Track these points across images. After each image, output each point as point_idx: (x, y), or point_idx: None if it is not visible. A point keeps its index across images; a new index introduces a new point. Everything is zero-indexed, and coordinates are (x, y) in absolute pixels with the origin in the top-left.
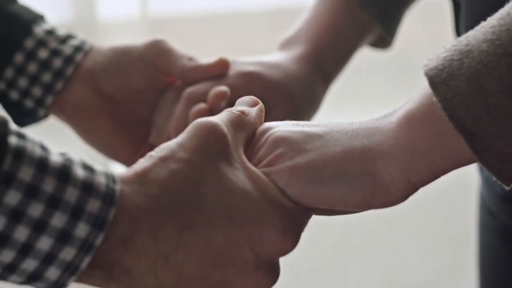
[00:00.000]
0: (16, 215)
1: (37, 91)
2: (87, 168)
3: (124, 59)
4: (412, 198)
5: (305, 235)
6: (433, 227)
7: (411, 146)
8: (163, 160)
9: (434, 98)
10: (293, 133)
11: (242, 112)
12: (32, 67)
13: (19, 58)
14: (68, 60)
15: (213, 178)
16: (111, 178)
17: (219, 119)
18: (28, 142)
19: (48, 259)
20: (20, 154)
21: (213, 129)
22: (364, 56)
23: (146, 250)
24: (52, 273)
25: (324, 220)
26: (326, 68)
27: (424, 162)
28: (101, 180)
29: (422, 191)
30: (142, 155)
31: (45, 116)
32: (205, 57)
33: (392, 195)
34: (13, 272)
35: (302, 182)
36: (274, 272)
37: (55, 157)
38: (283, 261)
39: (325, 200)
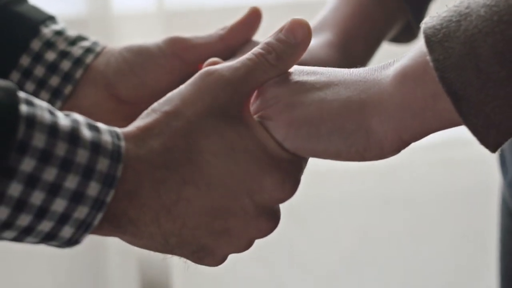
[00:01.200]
0: (31, 181)
1: (44, 96)
2: (93, 127)
3: (142, 57)
4: (433, 201)
5: (322, 237)
6: (453, 231)
7: (405, 104)
8: (166, 116)
9: (428, 57)
10: (292, 84)
11: (272, 65)
12: (39, 70)
13: (25, 60)
14: (77, 62)
15: (214, 135)
16: (115, 135)
17: (231, 70)
18: (38, 108)
19: (63, 219)
20: (32, 122)
21: (216, 83)
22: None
23: (149, 203)
24: (66, 232)
25: (342, 224)
26: (355, 56)
27: (416, 120)
28: (107, 138)
29: (443, 194)
30: None
31: None
32: None
33: (384, 150)
34: (29, 235)
35: (299, 136)
36: (274, 217)
37: (63, 121)
38: (302, 263)
39: (321, 153)
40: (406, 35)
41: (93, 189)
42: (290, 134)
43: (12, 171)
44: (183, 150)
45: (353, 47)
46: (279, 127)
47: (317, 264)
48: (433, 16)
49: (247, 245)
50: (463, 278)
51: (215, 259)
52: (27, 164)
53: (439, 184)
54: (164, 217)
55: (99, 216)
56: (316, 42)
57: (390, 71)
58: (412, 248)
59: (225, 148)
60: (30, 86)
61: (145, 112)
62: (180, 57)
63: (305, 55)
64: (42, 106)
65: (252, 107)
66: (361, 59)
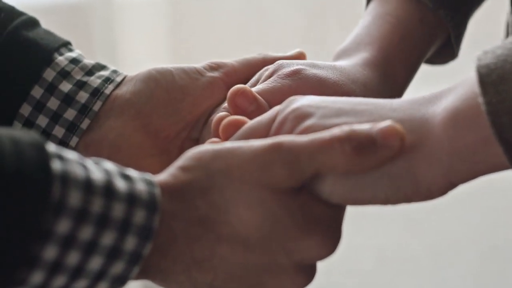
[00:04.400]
0: (68, 242)
1: (58, 131)
2: (126, 177)
3: (180, 80)
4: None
5: (338, 258)
6: (477, 249)
7: (454, 149)
8: (211, 173)
9: (480, 100)
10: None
11: (353, 152)
12: (53, 103)
13: (37, 92)
14: (96, 93)
15: (258, 208)
16: (150, 183)
17: (303, 147)
18: (69, 163)
19: (99, 277)
20: (66, 180)
21: (280, 163)
22: None
23: (182, 258)
24: (102, 287)
25: (360, 245)
26: (396, 75)
27: (466, 165)
28: (141, 187)
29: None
30: None
31: None
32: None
33: (433, 192)
34: None
35: (345, 189)
36: (311, 273)
37: (96, 174)
38: None
39: (368, 201)
40: (442, 56)
41: (130, 243)
42: (336, 186)
43: (48, 233)
44: (222, 212)
45: (393, 67)
46: (326, 182)
47: (333, 286)
48: (487, 51)
49: None
50: None
51: None
52: (63, 225)
53: (462, 200)
54: (196, 270)
55: (136, 270)
56: (351, 61)
57: (439, 110)
58: (432, 268)
59: (268, 221)
60: (42, 120)
61: (188, 160)
62: (223, 81)
63: (339, 75)
64: (73, 160)
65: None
66: (402, 80)
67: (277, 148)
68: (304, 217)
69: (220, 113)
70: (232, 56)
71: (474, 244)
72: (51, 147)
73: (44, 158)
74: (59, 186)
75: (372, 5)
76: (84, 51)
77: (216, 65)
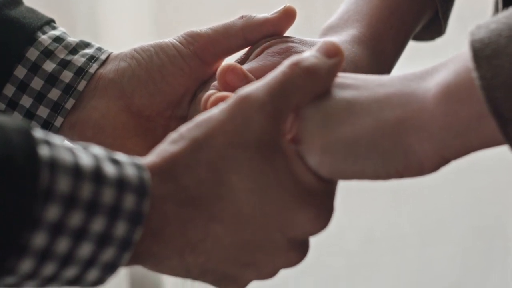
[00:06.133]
0: (57, 229)
1: (43, 111)
2: (115, 162)
3: (159, 59)
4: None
5: (324, 238)
6: (462, 228)
7: (447, 124)
8: (194, 144)
9: (474, 74)
10: (318, 101)
11: (308, 73)
12: (37, 83)
13: (20, 72)
14: (80, 72)
15: (246, 169)
16: (139, 167)
17: (267, 91)
18: (57, 148)
19: (89, 264)
20: (54, 165)
21: (255, 112)
22: None
23: (174, 241)
24: (92, 275)
25: (347, 225)
26: (385, 52)
27: (459, 140)
28: (130, 172)
29: (451, 192)
30: None
31: None
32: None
33: (424, 168)
34: (52, 282)
35: (334, 161)
36: (304, 249)
37: (85, 159)
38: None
39: (358, 175)
40: (430, 32)
41: (120, 229)
42: (325, 158)
43: (36, 220)
44: (212, 186)
45: (382, 44)
46: (313, 151)
47: (320, 266)
48: (480, 26)
49: (273, 274)
50: (471, 278)
51: (239, 285)
52: (52, 212)
53: (449, 178)
54: (188, 253)
55: (127, 256)
56: (339, 38)
57: (431, 85)
58: (419, 247)
59: (258, 184)
60: (26, 100)
61: (172, 136)
62: (199, 56)
63: None
64: (60, 145)
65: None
66: (391, 57)
67: (244, 99)
68: (296, 188)
69: (209, 91)
70: None
71: (462, 222)
72: (38, 132)
73: (31, 144)
74: (47, 172)
75: None
76: (66, 28)
77: (192, 38)
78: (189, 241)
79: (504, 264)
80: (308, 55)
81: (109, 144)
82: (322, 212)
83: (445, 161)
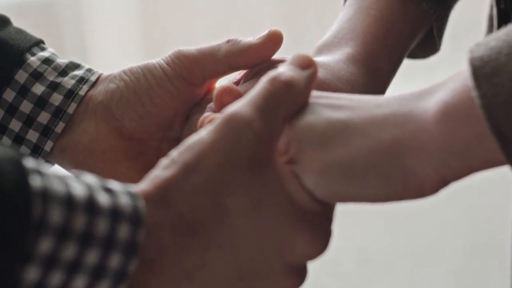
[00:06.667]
0: (50, 262)
1: (32, 136)
2: (109, 191)
3: (147, 82)
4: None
5: (321, 263)
6: (458, 248)
7: (446, 144)
8: (187, 168)
9: (473, 93)
10: (314, 122)
11: (287, 85)
12: (26, 106)
13: (9, 95)
14: (70, 95)
15: (240, 190)
16: (133, 195)
17: (252, 108)
18: (49, 178)
19: None
20: (46, 196)
21: (244, 129)
22: None
23: (171, 271)
24: None
25: (341, 247)
26: (380, 71)
27: (459, 160)
28: (124, 201)
29: (445, 212)
30: None
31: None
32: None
33: (424, 189)
34: None
35: (331, 182)
36: (302, 275)
37: (78, 189)
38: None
39: (355, 198)
40: (424, 50)
41: (115, 260)
42: (321, 180)
43: (29, 253)
44: (207, 210)
45: (377, 63)
46: (309, 172)
47: (323, 272)
48: (480, 44)
49: None
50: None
51: None
52: (45, 244)
53: (442, 199)
54: (185, 282)
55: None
56: (334, 57)
57: (429, 106)
58: (414, 268)
59: (253, 205)
60: (15, 124)
61: (163, 162)
62: (185, 79)
63: (324, 73)
64: (52, 175)
65: (278, 147)
66: (386, 76)
67: (232, 118)
68: (292, 209)
69: (206, 113)
70: None
71: (456, 242)
72: (29, 162)
73: (22, 174)
74: (39, 203)
75: None
76: (53, 46)
77: (178, 60)
78: (186, 270)
79: (500, 283)
80: (284, 69)
81: (100, 168)
82: (320, 235)
83: (445, 182)
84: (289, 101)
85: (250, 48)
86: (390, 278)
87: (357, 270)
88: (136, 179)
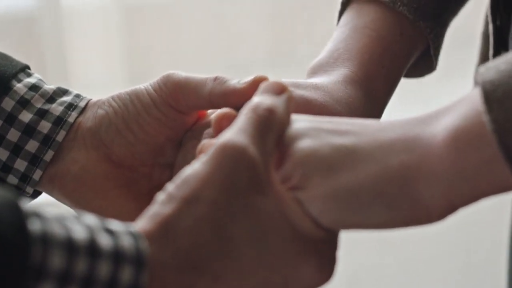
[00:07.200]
0: None
1: (20, 165)
2: (110, 232)
3: (135, 108)
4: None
5: None
6: (453, 265)
7: (456, 169)
8: (186, 202)
9: (485, 118)
10: (320, 148)
11: (269, 111)
12: (13, 135)
13: None
14: (59, 122)
15: (242, 218)
16: (135, 236)
17: (244, 135)
18: (48, 221)
19: None
20: (46, 241)
21: (240, 156)
22: None
23: None
24: None
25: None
26: (377, 92)
27: (468, 186)
28: (126, 242)
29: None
30: None
31: (36, 195)
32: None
33: (432, 215)
34: None
35: (337, 209)
36: None
37: (78, 232)
38: None
39: (362, 225)
40: (420, 69)
41: None
42: (327, 206)
43: None
44: (211, 244)
45: (374, 83)
46: (314, 199)
47: None
48: (490, 67)
49: None
50: None
51: None
52: None
53: None
54: None
55: None
56: (332, 79)
57: (437, 130)
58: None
59: (256, 233)
60: (2, 153)
61: (160, 197)
62: (172, 106)
63: (323, 96)
64: (51, 218)
65: (280, 173)
66: (383, 97)
67: (226, 146)
68: (295, 236)
69: (204, 140)
70: (193, 70)
71: (450, 260)
72: (27, 205)
73: (21, 218)
74: (39, 249)
75: (347, 17)
76: (34, 63)
77: (165, 86)
78: None
79: None
80: (260, 98)
81: (91, 197)
82: (325, 262)
83: (453, 208)
84: (274, 126)
85: (233, 92)
86: None
87: None
88: (128, 206)
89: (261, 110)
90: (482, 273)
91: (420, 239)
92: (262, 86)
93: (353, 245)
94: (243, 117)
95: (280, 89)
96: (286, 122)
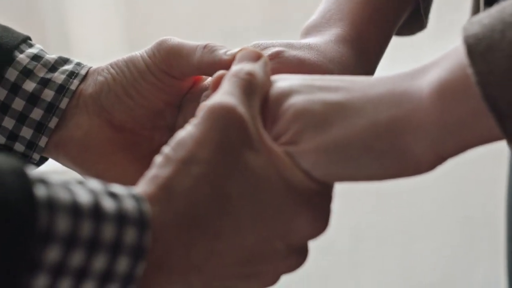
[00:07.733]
0: (58, 270)
1: (26, 132)
2: (113, 196)
3: (131, 75)
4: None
5: (316, 240)
6: (449, 221)
7: (443, 121)
8: (184, 163)
9: (469, 70)
10: (312, 104)
11: (250, 75)
12: (18, 103)
13: (0, 93)
14: (61, 90)
15: (238, 174)
16: (137, 199)
17: (231, 96)
18: (54, 187)
19: None
20: (52, 205)
21: (230, 115)
22: None
23: (179, 267)
24: None
25: (334, 224)
26: (369, 50)
27: (454, 137)
28: (129, 205)
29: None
30: None
31: (42, 161)
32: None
33: (421, 167)
34: None
35: (328, 162)
36: (304, 253)
37: (83, 196)
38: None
39: (353, 177)
40: (410, 27)
41: (122, 264)
42: (318, 160)
43: (37, 263)
44: (210, 202)
45: (366, 42)
46: (306, 153)
47: (309, 266)
48: (473, 21)
49: (275, 281)
50: (459, 270)
51: None
52: (53, 253)
53: (433, 172)
54: (194, 275)
55: None
56: (325, 38)
57: (424, 84)
58: (406, 243)
59: (251, 189)
60: (9, 122)
61: (159, 161)
62: (166, 72)
63: (316, 55)
64: (57, 184)
65: (273, 130)
66: (375, 55)
67: (216, 108)
68: (289, 190)
69: (204, 102)
70: (191, 38)
71: (447, 215)
72: (33, 172)
73: (27, 185)
74: (45, 213)
75: None
76: (35, 35)
77: (158, 53)
78: (194, 264)
79: (492, 255)
80: (239, 66)
81: (95, 161)
82: (320, 214)
83: (441, 159)
84: (257, 87)
85: (219, 62)
86: (383, 254)
87: (350, 247)
88: (131, 169)
89: (243, 74)
90: (480, 227)
91: (419, 194)
92: (239, 54)
93: (354, 202)
94: (227, 82)
95: (256, 56)
96: (267, 84)
